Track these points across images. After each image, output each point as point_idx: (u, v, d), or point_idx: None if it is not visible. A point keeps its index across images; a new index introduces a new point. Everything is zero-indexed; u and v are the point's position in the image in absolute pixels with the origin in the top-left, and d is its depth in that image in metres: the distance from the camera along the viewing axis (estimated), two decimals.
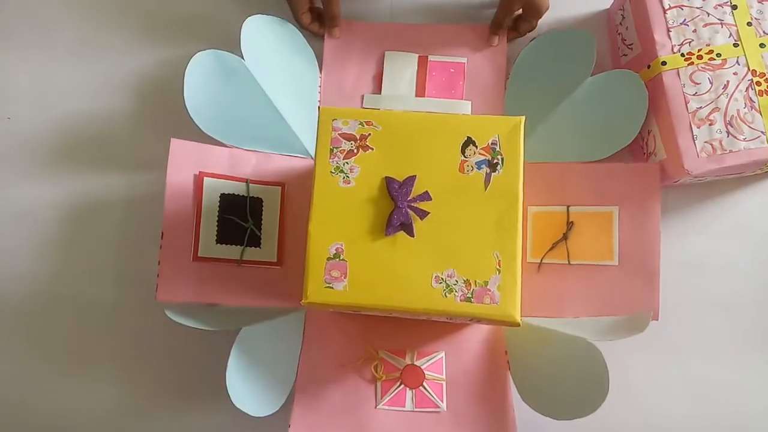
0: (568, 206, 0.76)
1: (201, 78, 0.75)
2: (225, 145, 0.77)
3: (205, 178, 0.75)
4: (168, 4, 0.85)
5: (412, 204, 0.61)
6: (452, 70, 0.81)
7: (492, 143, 0.62)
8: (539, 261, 0.75)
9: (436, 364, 0.74)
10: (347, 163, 0.62)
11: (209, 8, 0.85)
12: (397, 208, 0.61)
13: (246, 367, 0.69)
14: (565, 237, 0.75)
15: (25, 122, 0.83)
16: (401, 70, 0.81)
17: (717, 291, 0.77)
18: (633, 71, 0.75)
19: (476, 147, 0.62)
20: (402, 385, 0.73)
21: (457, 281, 0.60)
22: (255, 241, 0.76)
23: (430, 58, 0.81)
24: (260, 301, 0.75)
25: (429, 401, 0.72)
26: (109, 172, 0.81)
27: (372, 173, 0.62)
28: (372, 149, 0.62)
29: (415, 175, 0.62)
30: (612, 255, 0.74)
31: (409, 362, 0.73)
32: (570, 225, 0.75)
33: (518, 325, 0.60)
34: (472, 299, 0.59)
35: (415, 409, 0.72)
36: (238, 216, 0.75)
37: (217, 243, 0.75)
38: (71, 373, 0.78)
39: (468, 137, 0.62)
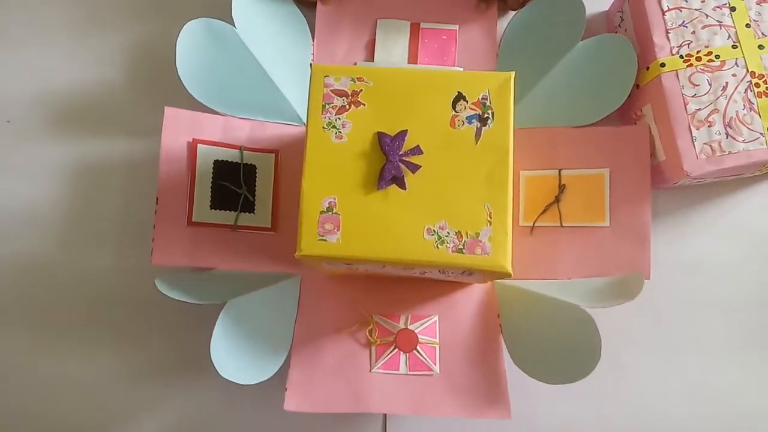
0: (559, 170, 0.76)
1: (193, 46, 0.75)
2: (219, 114, 0.77)
3: (198, 144, 0.75)
4: None
5: (404, 158, 0.61)
6: (444, 37, 0.81)
7: (482, 98, 0.62)
8: (532, 224, 0.76)
9: (430, 327, 0.74)
10: (339, 118, 0.62)
11: None
12: (389, 162, 0.61)
13: (233, 335, 0.69)
14: (557, 199, 0.75)
15: (25, 94, 0.84)
16: (393, 37, 0.81)
17: (716, 292, 0.78)
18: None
19: (467, 102, 0.62)
20: (396, 349, 0.73)
21: (448, 233, 0.60)
22: (249, 207, 0.76)
23: (422, 25, 0.82)
24: (254, 265, 0.75)
25: (422, 365, 0.72)
26: (107, 142, 0.82)
27: (364, 128, 0.62)
28: (364, 105, 0.63)
29: (407, 130, 0.62)
30: (603, 217, 0.74)
31: (403, 326, 0.74)
32: (562, 188, 0.75)
33: (510, 275, 0.60)
34: (464, 250, 0.60)
35: (409, 373, 0.72)
36: (232, 182, 0.76)
37: (211, 208, 0.75)
38: (69, 341, 0.78)
39: (459, 92, 0.62)
